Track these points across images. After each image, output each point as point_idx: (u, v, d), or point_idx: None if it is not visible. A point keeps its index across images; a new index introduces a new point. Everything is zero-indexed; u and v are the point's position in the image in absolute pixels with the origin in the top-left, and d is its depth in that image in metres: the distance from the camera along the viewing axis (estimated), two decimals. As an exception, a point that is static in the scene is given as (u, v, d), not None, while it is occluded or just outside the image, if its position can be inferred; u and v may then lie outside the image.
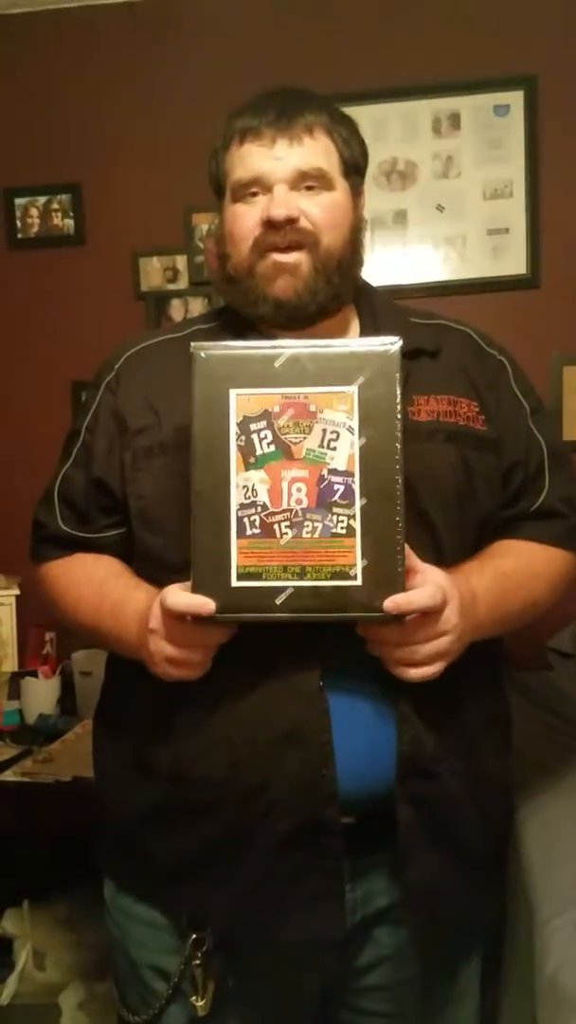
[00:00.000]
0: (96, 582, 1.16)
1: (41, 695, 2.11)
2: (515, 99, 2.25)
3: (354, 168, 1.16)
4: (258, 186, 1.12)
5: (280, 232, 1.10)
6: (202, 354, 0.99)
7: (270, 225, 1.10)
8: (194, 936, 1.12)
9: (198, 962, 1.12)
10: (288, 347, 0.99)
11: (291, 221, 1.09)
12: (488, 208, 2.28)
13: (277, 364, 0.99)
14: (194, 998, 1.12)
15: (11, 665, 2.26)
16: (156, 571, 1.09)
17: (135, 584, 1.12)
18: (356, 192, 1.18)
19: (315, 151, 1.11)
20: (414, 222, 2.30)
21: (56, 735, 1.99)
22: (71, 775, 1.76)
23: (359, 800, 1.06)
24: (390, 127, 2.29)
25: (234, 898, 1.08)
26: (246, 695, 1.05)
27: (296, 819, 1.05)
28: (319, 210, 1.11)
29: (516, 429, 1.19)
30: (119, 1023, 1.25)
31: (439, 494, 1.10)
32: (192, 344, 1.00)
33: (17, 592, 2.28)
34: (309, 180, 1.11)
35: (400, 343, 0.99)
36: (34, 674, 2.15)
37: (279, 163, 1.10)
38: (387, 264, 2.29)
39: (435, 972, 1.19)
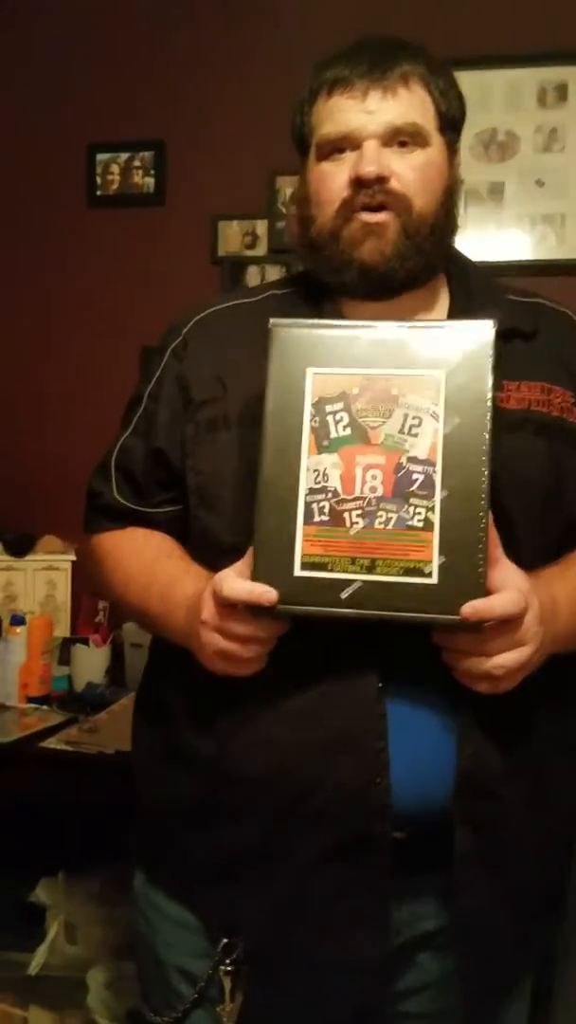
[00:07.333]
0: (147, 561, 1.11)
1: (90, 663, 2.11)
2: (628, 71, 2.12)
3: (451, 123, 1.08)
4: (347, 143, 1.04)
5: (369, 191, 1.02)
6: (280, 330, 0.95)
7: (359, 184, 1.02)
8: (225, 941, 1.06)
9: (227, 968, 1.06)
10: (372, 327, 0.94)
11: (381, 180, 1.01)
12: (592, 186, 2.15)
13: (359, 344, 0.94)
14: (220, 1007, 1.07)
15: (63, 631, 2.27)
16: (210, 553, 1.03)
17: (185, 567, 1.06)
18: (452, 150, 1.09)
19: (411, 104, 1.03)
20: (511, 197, 2.19)
21: (103, 705, 1.99)
22: (115, 748, 1.73)
23: (412, 815, 0.99)
24: (492, 95, 2.18)
25: (269, 909, 1.03)
26: (297, 693, 0.99)
27: (343, 830, 0.98)
28: (411, 171, 1.03)
29: None
30: (140, 1020, 1.21)
31: (523, 492, 1.02)
32: (271, 320, 0.95)
33: (73, 558, 2.28)
34: (402, 136, 1.03)
35: (495, 326, 0.92)
36: (85, 641, 2.14)
37: (371, 117, 1.02)
38: (479, 239, 2.19)
39: (480, 1004, 1.11)
